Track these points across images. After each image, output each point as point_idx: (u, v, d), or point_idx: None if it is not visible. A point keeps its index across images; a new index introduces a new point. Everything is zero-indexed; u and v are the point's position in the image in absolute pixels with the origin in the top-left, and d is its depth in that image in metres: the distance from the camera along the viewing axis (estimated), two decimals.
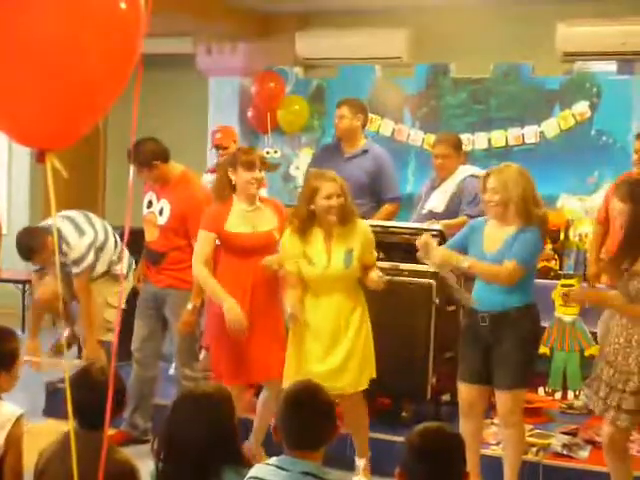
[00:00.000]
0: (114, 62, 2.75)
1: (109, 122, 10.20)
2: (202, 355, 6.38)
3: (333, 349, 5.27)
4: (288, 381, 5.20)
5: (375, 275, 5.26)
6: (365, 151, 6.84)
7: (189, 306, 5.84)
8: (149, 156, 5.90)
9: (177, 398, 3.55)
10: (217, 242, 5.50)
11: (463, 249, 5.10)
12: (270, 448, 5.11)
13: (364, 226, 5.42)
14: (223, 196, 5.51)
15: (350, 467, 5.51)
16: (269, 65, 8.54)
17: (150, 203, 6.07)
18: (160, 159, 5.94)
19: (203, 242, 5.46)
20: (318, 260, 5.25)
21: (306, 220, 5.25)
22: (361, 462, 5.55)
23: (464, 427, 5.04)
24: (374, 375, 5.38)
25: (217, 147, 7.23)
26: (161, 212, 6.01)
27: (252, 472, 3.36)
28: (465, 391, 5.16)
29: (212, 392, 3.53)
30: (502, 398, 5.07)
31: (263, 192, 7.13)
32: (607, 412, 4.73)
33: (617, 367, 4.72)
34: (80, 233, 6.18)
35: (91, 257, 6.16)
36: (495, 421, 5.86)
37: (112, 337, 6.11)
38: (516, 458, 5.18)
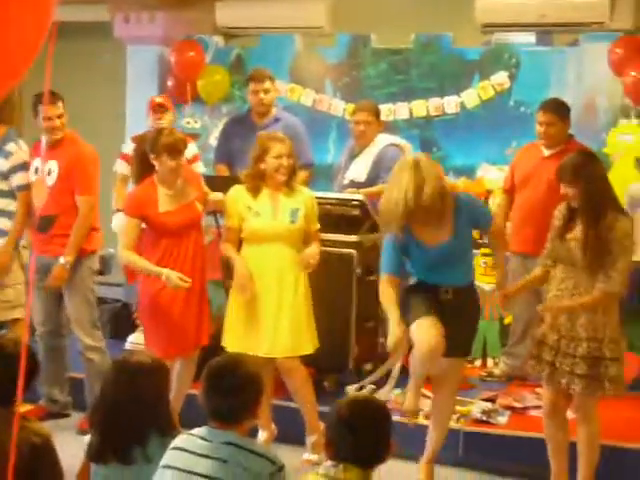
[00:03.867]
0: (25, 29, 2.68)
1: (25, 90, 9.98)
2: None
3: (276, 313, 5.35)
4: (229, 345, 5.38)
5: (310, 253, 5.36)
6: (277, 120, 6.83)
7: (61, 260, 5.81)
8: (36, 100, 5.95)
9: (110, 368, 3.57)
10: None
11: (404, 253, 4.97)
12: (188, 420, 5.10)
13: (310, 193, 5.59)
14: (142, 178, 5.46)
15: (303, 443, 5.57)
16: (188, 34, 8.44)
17: (36, 170, 6.03)
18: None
19: (128, 228, 5.39)
20: (265, 213, 5.38)
21: (256, 179, 5.40)
22: (311, 439, 5.56)
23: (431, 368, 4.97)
24: (317, 344, 5.46)
25: (159, 107, 7.13)
26: (49, 173, 5.98)
27: (175, 442, 3.37)
28: (427, 325, 4.83)
29: (144, 362, 3.55)
30: (456, 366, 5.12)
31: (200, 166, 7.10)
32: (558, 376, 4.80)
33: (562, 332, 4.79)
34: None
35: None
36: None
37: (11, 315, 6.03)
38: (448, 423, 5.26)
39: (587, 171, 4.77)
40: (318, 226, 5.56)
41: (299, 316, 5.41)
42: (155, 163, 5.36)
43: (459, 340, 4.99)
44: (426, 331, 4.78)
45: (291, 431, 5.69)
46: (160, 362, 3.69)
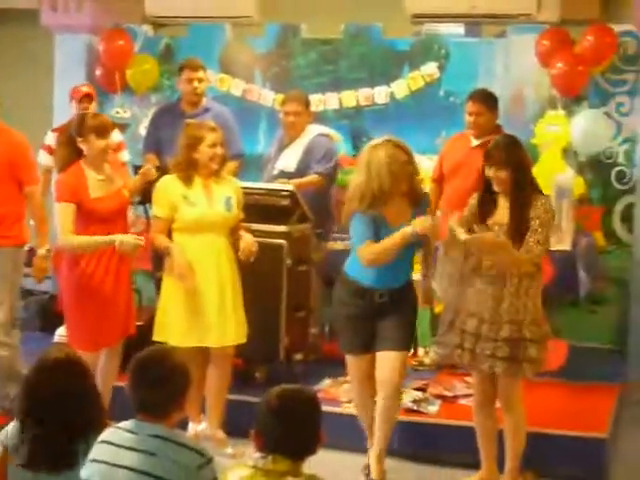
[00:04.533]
0: None
1: None
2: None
3: (219, 303, 5.34)
4: (163, 337, 5.33)
5: (250, 241, 5.39)
6: (207, 110, 6.80)
7: (41, 251, 5.73)
8: None
9: (31, 366, 3.50)
10: None
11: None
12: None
13: (237, 183, 5.62)
14: (69, 165, 5.36)
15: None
16: (117, 23, 8.34)
17: None
18: None
19: (64, 214, 5.27)
20: (200, 202, 5.35)
21: (188, 168, 5.37)
22: (218, 434, 5.55)
23: (360, 394, 5.18)
24: (247, 332, 5.49)
25: (87, 96, 7.03)
26: None
27: (102, 436, 3.33)
28: (359, 362, 5.17)
29: (64, 358, 3.49)
30: (398, 358, 5.09)
31: (125, 155, 7.03)
32: (479, 363, 4.86)
33: (486, 317, 4.84)
34: None
35: None
36: (348, 379, 5.95)
37: None
38: (396, 417, 5.24)
39: (516, 155, 4.83)
40: (242, 215, 5.55)
41: (239, 304, 5.43)
42: (83, 146, 5.29)
43: (396, 336, 5.06)
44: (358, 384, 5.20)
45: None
46: (76, 355, 3.61)
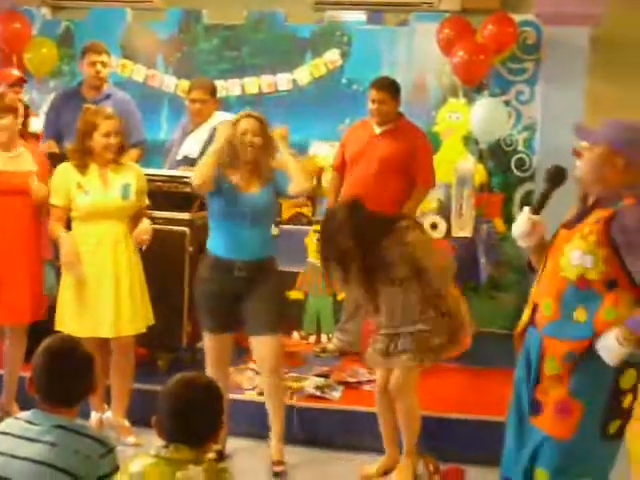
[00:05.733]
0: None
1: None
2: None
3: (115, 292, 5.26)
4: (62, 326, 5.25)
5: (144, 228, 5.30)
6: (108, 95, 6.71)
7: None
8: None
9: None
10: None
11: None
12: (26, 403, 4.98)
13: (139, 169, 5.54)
14: None
15: None
16: (13, 5, 8.16)
17: None
18: None
19: None
20: (94, 190, 5.26)
21: (83, 155, 5.28)
22: (122, 421, 5.50)
23: (215, 373, 5.05)
24: (152, 320, 5.44)
25: (20, 81, 6.87)
26: None
27: (1, 427, 3.26)
28: (216, 342, 5.19)
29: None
30: (267, 345, 5.11)
31: (35, 123, 6.89)
32: (391, 360, 4.90)
33: (390, 316, 4.90)
34: None
35: None
36: (251, 366, 5.95)
37: None
38: (281, 404, 5.25)
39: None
40: (147, 202, 5.49)
41: (137, 293, 5.36)
42: None
43: (263, 317, 5.08)
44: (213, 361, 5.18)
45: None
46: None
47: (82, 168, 5.29)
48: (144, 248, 5.40)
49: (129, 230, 5.34)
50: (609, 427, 3.63)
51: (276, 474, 5.17)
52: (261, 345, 5.12)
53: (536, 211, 3.80)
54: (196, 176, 5.03)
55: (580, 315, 3.49)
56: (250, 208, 5.03)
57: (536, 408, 3.76)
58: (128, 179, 5.36)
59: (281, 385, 5.26)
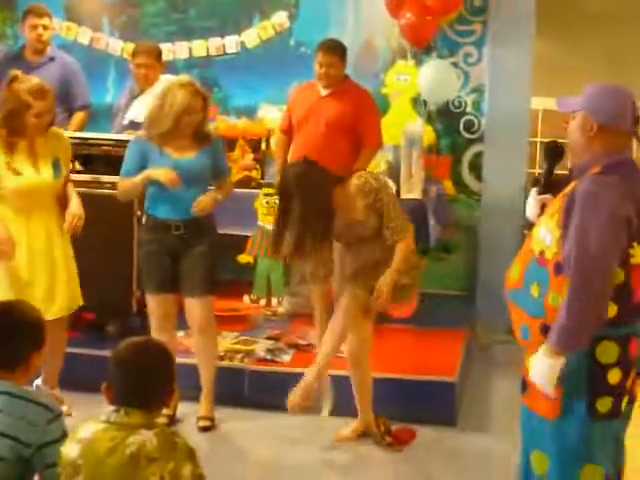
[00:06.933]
0: None
1: None
2: None
3: (51, 274, 5.15)
4: None
5: (75, 213, 5.15)
6: (52, 58, 6.63)
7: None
8: None
9: None
10: None
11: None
12: None
13: (64, 136, 5.36)
14: None
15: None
16: None
17: None
18: None
19: None
20: (25, 171, 5.07)
21: (12, 134, 5.05)
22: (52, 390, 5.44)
23: (159, 334, 5.06)
24: (80, 302, 5.34)
25: None
26: None
27: None
28: (158, 303, 5.22)
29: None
30: (197, 305, 5.18)
31: None
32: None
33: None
34: None
35: None
36: None
37: None
38: (210, 363, 5.36)
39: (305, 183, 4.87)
40: (70, 167, 5.39)
41: (72, 272, 5.26)
42: None
43: (195, 278, 5.14)
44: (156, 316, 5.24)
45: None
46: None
47: (11, 147, 5.07)
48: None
49: (59, 209, 5.21)
50: (597, 406, 3.34)
51: (201, 429, 5.28)
52: (192, 306, 5.20)
53: (543, 191, 3.73)
54: (120, 193, 5.19)
55: (534, 291, 3.36)
56: (185, 171, 5.05)
57: (524, 385, 3.50)
58: (57, 152, 5.18)
59: (209, 344, 5.33)
